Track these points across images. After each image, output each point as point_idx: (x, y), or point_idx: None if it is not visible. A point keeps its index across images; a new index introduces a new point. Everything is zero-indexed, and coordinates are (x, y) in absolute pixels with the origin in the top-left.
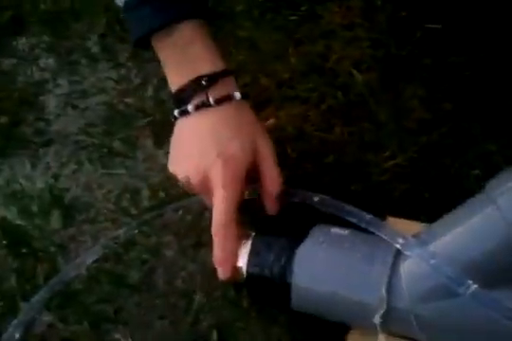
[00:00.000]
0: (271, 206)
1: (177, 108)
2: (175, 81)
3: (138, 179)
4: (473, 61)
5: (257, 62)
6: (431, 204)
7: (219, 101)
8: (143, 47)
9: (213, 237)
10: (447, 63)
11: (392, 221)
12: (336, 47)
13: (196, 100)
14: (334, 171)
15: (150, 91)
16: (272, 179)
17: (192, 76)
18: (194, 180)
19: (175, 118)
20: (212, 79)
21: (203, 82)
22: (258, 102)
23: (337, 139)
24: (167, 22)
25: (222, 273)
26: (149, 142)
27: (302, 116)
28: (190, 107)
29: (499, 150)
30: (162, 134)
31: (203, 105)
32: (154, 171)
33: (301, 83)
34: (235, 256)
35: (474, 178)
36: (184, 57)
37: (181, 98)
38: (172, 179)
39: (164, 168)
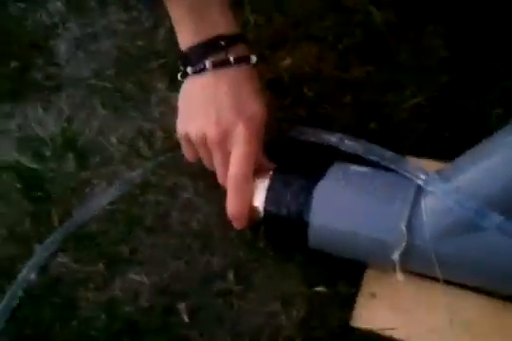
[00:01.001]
0: None
1: (190, 66)
2: (190, 40)
3: (152, 122)
4: None
5: (271, 1)
6: (452, 143)
7: (239, 61)
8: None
9: (229, 190)
10: (469, 0)
11: (411, 160)
12: None
13: (214, 58)
14: (352, 111)
15: (162, 33)
16: None
17: (211, 35)
18: (213, 136)
19: (185, 76)
20: (232, 39)
21: (222, 42)
22: (273, 42)
23: (355, 79)
24: None
25: (237, 225)
26: (161, 85)
27: (319, 56)
28: (207, 64)
29: None
30: (175, 76)
31: (222, 63)
32: (167, 115)
33: (317, 22)
34: (249, 208)
35: (496, 117)
36: (201, 17)
37: (196, 55)
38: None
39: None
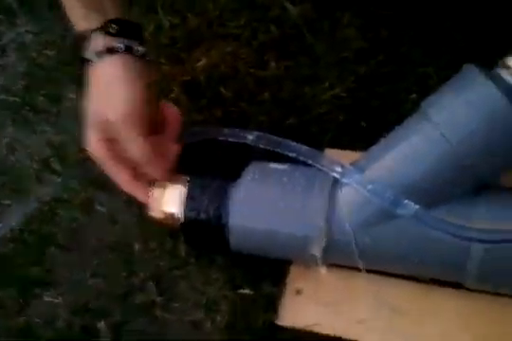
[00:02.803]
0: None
1: (82, 53)
2: (81, 26)
3: (64, 135)
4: None
5: (185, 2)
6: (369, 133)
7: (112, 51)
8: None
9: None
10: None
11: (330, 152)
12: None
13: (102, 46)
14: (270, 108)
15: (70, 41)
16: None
17: (102, 20)
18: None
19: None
20: (121, 24)
21: (112, 28)
22: (188, 43)
23: (272, 75)
24: None
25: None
26: (73, 95)
27: (235, 54)
28: (95, 52)
29: (436, 72)
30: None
31: (110, 51)
32: (80, 126)
33: (232, 20)
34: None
35: (411, 103)
36: (91, 3)
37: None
38: None
39: None
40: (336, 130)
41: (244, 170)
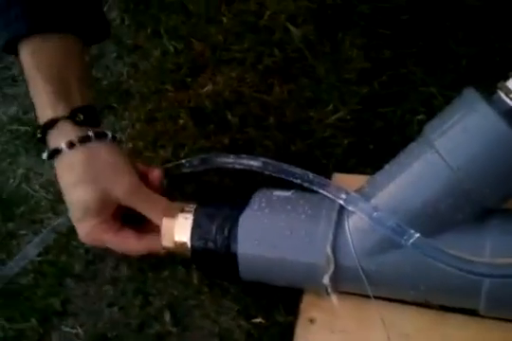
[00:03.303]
0: None
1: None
2: (48, 114)
3: None
4: (410, 4)
5: (189, 26)
6: (377, 155)
7: (98, 136)
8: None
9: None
10: (383, 9)
11: (338, 177)
12: (268, 3)
13: (73, 135)
14: (275, 133)
15: None
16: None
17: (69, 108)
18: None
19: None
20: (89, 113)
21: (79, 117)
22: (193, 69)
23: (276, 99)
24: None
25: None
26: None
27: (240, 79)
28: (64, 144)
29: (440, 91)
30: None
31: (81, 140)
32: None
33: (236, 44)
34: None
35: (417, 124)
36: (59, 91)
37: (56, 132)
38: None
39: None
40: (341, 153)
41: (250, 197)
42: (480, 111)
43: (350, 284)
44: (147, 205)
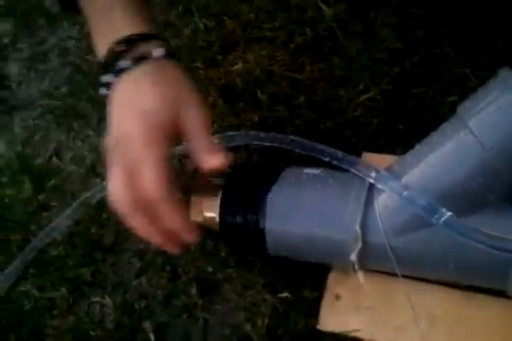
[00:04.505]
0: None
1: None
2: (101, 49)
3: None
4: None
5: (220, 4)
6: (407, 136)
7: (137, 61)
8: (73, 10)
9: (162, 214)
10: None
11: (368, 156)
12: None
13: (119, 65)
14: (305, 112)
15: None
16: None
17: (112, 40)
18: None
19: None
20: (129, 41)
21: (121, 47)
22: (224, 46)
23: (307, 78)
24: None
25: (191, 240)
26: None
27: (271, 57)
28: (123, 65)
29: (473, 72)
30: None
31: (124, 69)
32: None
33: (268, 23)
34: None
35: (449, 105)
36: (109, 21)
37: (105, 65)
38: None
39: None
40: (371, 133)
41: (280, 174)
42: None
43: (377, 262)
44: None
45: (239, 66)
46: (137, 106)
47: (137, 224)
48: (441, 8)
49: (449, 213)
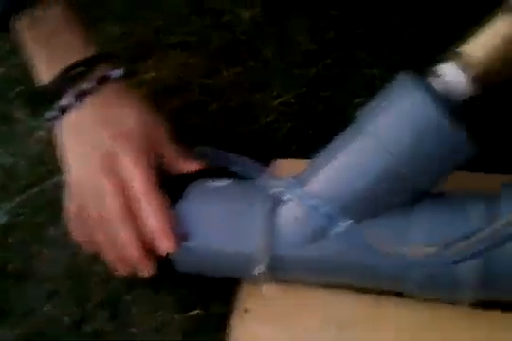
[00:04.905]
0: None
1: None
2: (47, 73)
3: (15, 156)
4: None
5: (129, 9)
6: (317, 139)
7: (101, 81)
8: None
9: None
10: None
11: (281, 163)
12: None
13: (76, 89)
14: (219, 118)
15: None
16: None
17: (68, 63)
18: (106, 181)
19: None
20: (90, 62)
21: (80, 68)
22: (135, 55)
23: (222, 83)
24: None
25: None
26: (23, 115)
27: (185, 64)
28: (70, 98)
29: (383, 73)
30: (37, 103)
31: (86, 92)
32: (31, 147)
33: (182, 28)
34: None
35: (355, 107)
36: (54, 47)
37: (57, 89)
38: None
39: (42, 139)
40: (282, 139)
41: (186, 188)
42: (412, 96)
43: (287, 273)
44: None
45: (151, 75)
46: (116, 126)
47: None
48: (355, 8)
49: (346, 223)
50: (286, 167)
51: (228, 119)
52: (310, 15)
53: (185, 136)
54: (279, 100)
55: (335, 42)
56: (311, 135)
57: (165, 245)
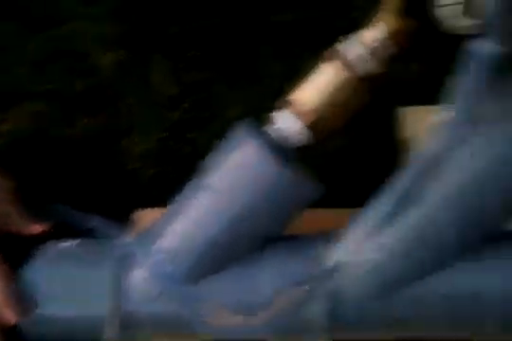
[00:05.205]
0: None
1: None
2: None
3: None
4: (221, 23)
5: None
6: (178, 184)
7: None
8: None
9: None
10: (193, 29)
11: (142, 213)
12: (76, 28)
13: None
14: (81, 170)
15: None
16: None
17: None
18: None
19: None
20: None
21: None
22: None
23: (83, 132)
24: None
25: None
26: None
27: (40, 114)
28: None
29: (244, 114)
30: None
31: None
32: None
33: (38, 76)
34: None
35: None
36: None
37: None
38: None
39: None
40: (145, 186)
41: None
42: (244, 145)
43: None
44: None
45: (6, 127)
46: None
47: None
48: (217, 48)
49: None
50: (149, 217)
51: (91, 170)
52: (171, 57)
53: (42, 191)
54: (143, 146)
55: (197, 82)
56: (174, 181)
57: (8, 316)
